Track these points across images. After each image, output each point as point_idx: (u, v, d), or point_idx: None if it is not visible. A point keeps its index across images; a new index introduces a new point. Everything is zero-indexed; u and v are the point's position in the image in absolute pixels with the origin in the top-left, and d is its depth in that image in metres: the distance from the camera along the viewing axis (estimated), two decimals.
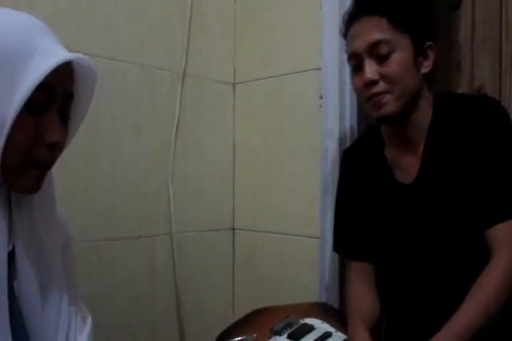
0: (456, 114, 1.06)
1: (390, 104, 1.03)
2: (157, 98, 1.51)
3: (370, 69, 1.02)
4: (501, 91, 1.48)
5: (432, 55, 1.06)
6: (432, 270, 1.07)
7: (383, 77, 1.02)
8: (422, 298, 1.08)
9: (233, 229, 1.74)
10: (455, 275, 1.04)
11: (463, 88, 1.54)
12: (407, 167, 1.10)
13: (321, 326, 1.16)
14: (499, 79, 1.49)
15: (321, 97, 1.46)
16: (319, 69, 1.47)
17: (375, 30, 1.02)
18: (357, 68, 1.07)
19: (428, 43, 1.05)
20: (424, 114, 1.08)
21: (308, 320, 1.18)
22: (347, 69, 1.44)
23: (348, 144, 1.41)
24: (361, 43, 1.03)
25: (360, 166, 1.20)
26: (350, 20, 1.07)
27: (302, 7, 1.53)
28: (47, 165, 0.74)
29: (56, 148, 0.74)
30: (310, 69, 1.50)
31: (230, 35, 1.74)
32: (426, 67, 1.06)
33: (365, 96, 1.05)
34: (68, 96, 0.75)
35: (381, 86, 1.02)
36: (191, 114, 1.60)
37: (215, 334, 1.25)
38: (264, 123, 1.66)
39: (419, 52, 1.04)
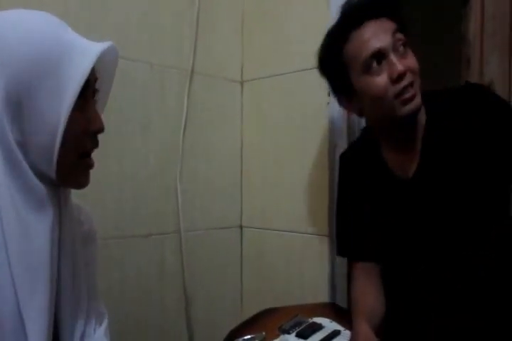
0: (448, 109, 1.06)
1: (418, 96, 1.03)
2: (165, 96, 1.51)
3: (399, 62, 1.01)
4: (511, 87, 1.47)
5: None
6: (436, 266, 1.07)
7: (408, 69, 1.01)
8: (427, 295, 1.08)
9: (241, 226, 1.75)
10: (459, 270, 1.03)
11: None
12: (406, 164, 1.10)
13: (329, 325, 1.16)
14: (509, 75, 1.47)
15: (329, 95, 1.45)
16: None
17: (391, 29, 1.02)
18: (377, 68, 1.02)
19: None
20: (423, 111, 1.08)
21: (317, 319, 1.18)
22: None
23: None
24: (385, 40, 1.01)
25: (358, 168, 1.20)
26: (354, 25, 1.04)
27: (310, 4, 1.53)
28: (91, 153, 0.76)
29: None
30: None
31: (238, 33, 1.74)
32: None
33: (394, 92, 1.01)
34: (96, 81, 0.76)
35: (408, 78, 1.01)
36: (199, 112, 1.60)
37: (223, 332, 1.26)
38: (272, 121, 1.66)
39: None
